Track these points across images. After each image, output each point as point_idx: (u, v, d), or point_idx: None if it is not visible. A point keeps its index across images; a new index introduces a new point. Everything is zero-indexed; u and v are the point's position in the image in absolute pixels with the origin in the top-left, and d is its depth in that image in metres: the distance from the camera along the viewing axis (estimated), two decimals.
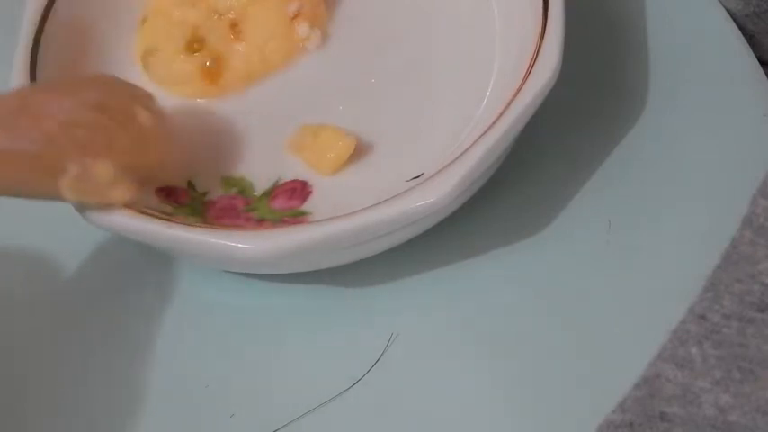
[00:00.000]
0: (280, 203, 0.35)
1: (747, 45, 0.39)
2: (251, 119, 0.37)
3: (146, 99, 0.34)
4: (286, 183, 0.36)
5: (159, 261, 0.36)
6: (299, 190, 0.35)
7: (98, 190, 0.31)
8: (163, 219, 0.32)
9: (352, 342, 0.33)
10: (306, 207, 0.35)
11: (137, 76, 0.38)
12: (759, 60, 0.38)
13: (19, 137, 0.30)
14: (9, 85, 0.34)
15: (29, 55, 0.35)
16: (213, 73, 0.38)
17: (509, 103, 0.32)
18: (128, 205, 0.32)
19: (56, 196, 0.31)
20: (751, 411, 0.30)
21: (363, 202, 0.31)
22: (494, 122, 0.32)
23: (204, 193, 0.35)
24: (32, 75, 0.35)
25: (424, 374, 0.33)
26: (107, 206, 0.32)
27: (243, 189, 0.36)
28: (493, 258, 0.35)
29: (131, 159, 0.32)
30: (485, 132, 0.32)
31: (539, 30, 0.34)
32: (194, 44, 0.38)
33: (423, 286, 0.34)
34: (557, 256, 0.34)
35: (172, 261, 0.36)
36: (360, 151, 0.36)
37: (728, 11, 0.40)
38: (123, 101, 0.34)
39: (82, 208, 0.32)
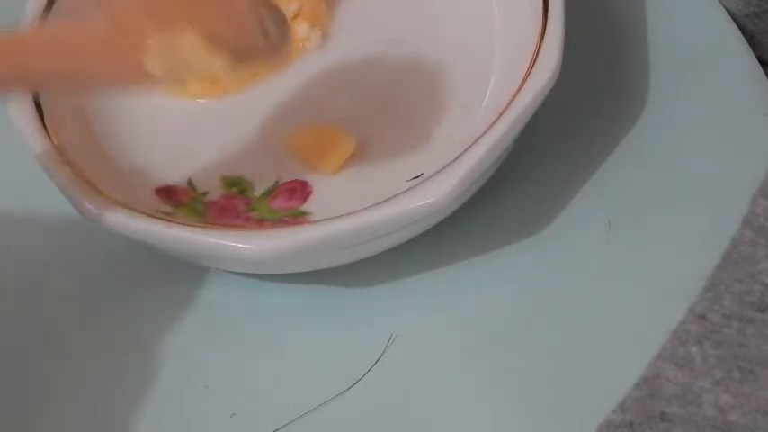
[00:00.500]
0: (280, 203, 0.35)
1: (747, 45, 0.39)
2: (251, 119, 0.37)
3: None
4: (286, 183, 0.36)
5: (159, 261, 0.36)
6: (299, 190, 0.35)
7: (191, 64, 0.29)
8: (163, 219, 0.32)
9: (352, 342, 0.33)
10: (306, 207, 0.35)
11: None
12: (759, 60, 0.38)
13: (88, 22, 0.28)
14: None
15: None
16: None
17: (509, 103, 0.32)
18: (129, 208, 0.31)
19: (148, 80, 0.28)
20: (751, 411, 0.30)
21: (363, 202, 0.31)
22: (494, 122, 0.32)
23: (204, 193, 0.35)
24: None
25: (424, 374, 0.33)
26: (206, 80, 0.30)
27: (243, 189, 0.36)
28: (493, 258, 0.35)
29: (218, 26, 0.29)
30: (485, 132, 0.32)
31: (539, 30, 0.34)
32: None
33: (423, 286, 0.34)
34: (557, 256, 0.34)
35: (172, 261, 0.36)
36: (360, 151, 0.36)
37: (728, 11, 0.40)
38: None
39: (81, 208, 0.32)
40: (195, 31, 0.29)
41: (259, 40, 0.31)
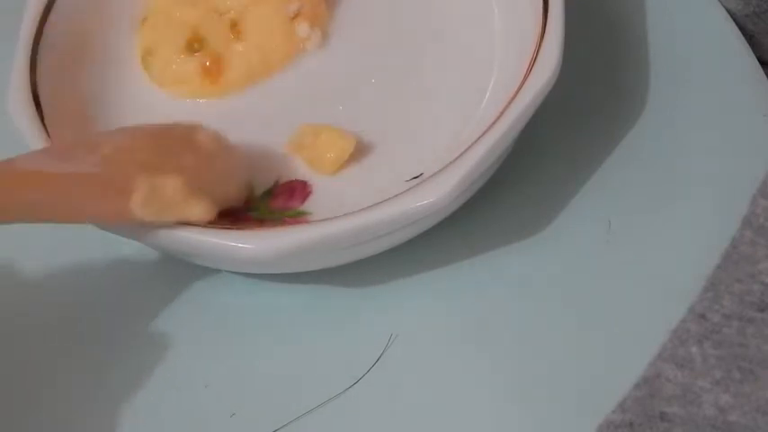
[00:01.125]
0: (280, 203, 0.35)
1: (747, 45, 0.39)
2: (251, 119, 0.37)
3: (198, 126, 0.34)
4: (286, 183, 0.36)
5: (159, 261, 0.36)
6: (299, 190, 0.35)
7: (172, 207, 0.31)
8: None
9: (352, 342, 0.33)
10: (306, 207, 0.35)
11: (137, 75, 0.38)
12: (759, 60, 0.38)
13: (78, 163, 0.30)
14: (9, 85, 0.34)
15: (29, 54, 0.35)
16: (213, 73, 0.38)
17: (509, 103, 0.32)
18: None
19: (132, 219, 0.30)
20: (751, 411, 0.30)
21: (363, 202, 0.31)
22: (494, 122, 0.32)
23: None
24: (32, 74, 0.35)
25: (424, 374, 0.33)
26: (187, 223, 0.31)
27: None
28: (493, 258, 0.35)
29: (200, 177, 0.32)
30: (485, 132, 0.32)
31: (539, 30, 0.34)
32: (194, 44, 0.38)
33: (423, 286, 0.34)
34: (557, 256, 0.34)
35: (172, 261, 0.36)
36: (360, 151, 0.36)
37: (728, 11, 0.40)
38: (179, 129, 0.33)
39: None
40: (177, 176, 0.31)
41: (232, 189, 0.34)
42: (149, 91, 0.38)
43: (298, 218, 0.34)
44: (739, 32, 0.39)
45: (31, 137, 0.33)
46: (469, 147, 0.32)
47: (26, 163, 0.30)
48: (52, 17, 0.37)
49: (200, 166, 0.32)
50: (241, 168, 0.35)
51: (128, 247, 0.36)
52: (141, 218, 0.30)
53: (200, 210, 0.31)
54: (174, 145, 0.32)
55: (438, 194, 0.31)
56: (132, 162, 0.31)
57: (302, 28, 0.38)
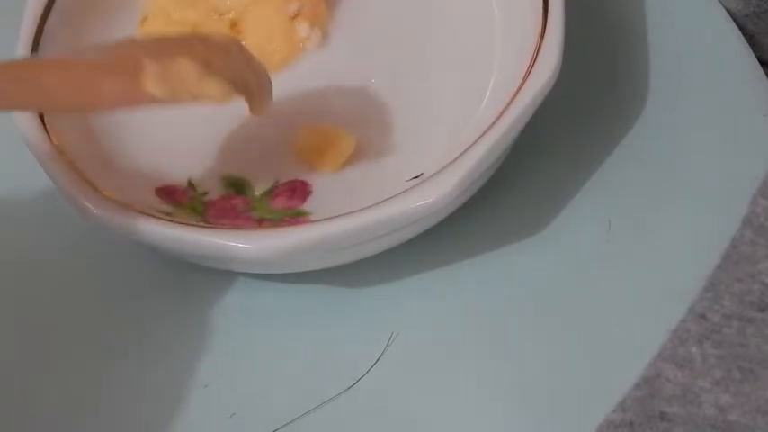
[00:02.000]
0: (280, 203, 0.35)
1: (747, 45, 0.39)
2: (251, 119, 0.37)
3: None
4: (286, 183, 0.36)
5: (159, 261, 0.36)
6: (299, 190, 0.35)
7: (187, 83, 0.30)
8: (163, 219, 0.32)
9: (353, 342, 0.33)
10: (306, 207, 0.35)
11: None
12: (759, 60, 0.38)
13: (86, 53, 0.29)
14: None
15: (29, 54, 0.35)
16: None
17: (509, 103, 0.32)
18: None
19: (146, 99, 0.29)
20: (751, 411, 0.30)
21: (363, 202, 0.31)
22: (494, 122, 0.32)
23: (204, 193, 0.35)
24: None
25: (424, 374, 0.33)
26: (205, 101, 0.30)
27: (243, 189, 0.36)
28: (493, 258, 0.35)
29: (213, 61, 0.31)
30: (485, 132, 0.32)
31: (539, 30, 0.34)
32: None
33: (423, 286, 0.34)
34: (557, 256, 0.34)
35: (172, 261, 0.36)
36: (360, 151, 0.36)
37: (728, 11, 0.40)
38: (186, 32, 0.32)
39: (81, 208, 0.32)
40: (189, 60, 0.30)
41: (249, 77, 0.32)
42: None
43: (298, 218, 0.34)
44: (739, 32, 0.39)
45: (31, 137, 0.33)
46: (469, 147, 0.32)
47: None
48: (52, 17, 0.37)
49: (212, 53, 0.31)
50: (259, 65, 0.34)
51: (128, 247, 0.36)
52: (155, 95, 0.29)
53: (217, 87, 0.30)
54: (183, 37, 0.32)
55: (438, 194, 0.31)
56: (141, 48, 0.30)
57: (302, 28, 0.38)
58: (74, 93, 0.29)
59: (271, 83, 0.34)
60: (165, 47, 0.30)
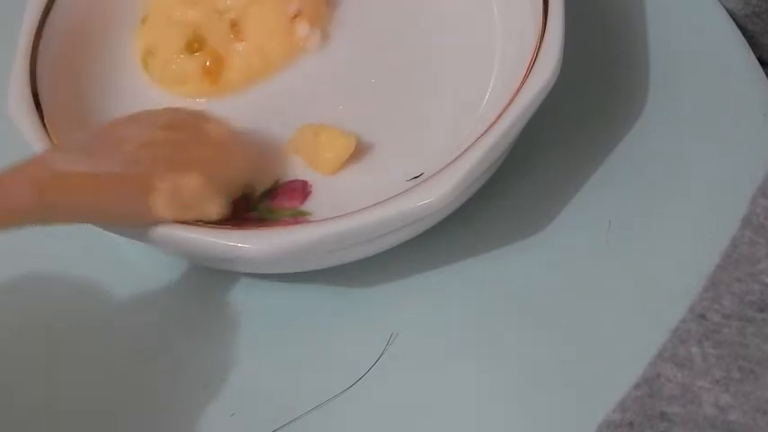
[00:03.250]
0: (280, 203, 0.35)
1: (747, 45, 0.38)
2: (251, 119, 0.37)
3: (206, 114, 0.35)
4: (286, 183, 0.36)
5: (159, 260, 0.36)
6: (299, 190, 0.35)
7: (193, 203, 0.31)
8: None
9: (353, 342, 0.33)
10: (306, 207, 0.35)
11: (137, 75, 0.38)
12: (759, 60, 0.38)
13: (101, 161, 0.30)
14: (9, 85, 0.34)
15: (29, 55, 0.35)
16: (213, 73, 0.38)
17: (509, 103, 0.32)
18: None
19: (153, 217, 0.31)
20: (751, 411, 0.30)
21: (363, 202, 0.31)
22: (494, 122, 0.32)
23: None
24: (32, 74, 0.35)
25: (423, 374, 0.33)
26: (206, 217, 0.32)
27: (243, 189, 0.36)
28: (493, 258, 0.35)
29: (216, 169, 0.33)
30: (485, 132, 0.32)
31: (539, 30, 0.34)
32: (194, 44, 0.38)
33: (423, 286, 0.34)
34: (557, 255, 0.34)
35: (172, 261, 0.36)
36: (360, 151, 0.36)
37: (728, 11, 0.40)
38: (188, 118, 0.34)
39: None
40: (198, 174, 0.32)
41: (245, 177, 0.35)
42: (149, 91, 0.38)
43: (298, 218, 0.34)
44: (739, 32, 0.39)
45: (31, 137, 0.33)
46: (469, 147, 0.32)
47: (55, 161, 0.29)
48: (52, 17, 0.37)
49: (215, 158, 0.33)
50: (252, 155, 0.35)
51: (128, 247, 0.36)
52: (162, 217, 0.31)
53: (216, 208, 0.32)
54: (189, 138, 0.33)
55: (438, 194, 0.31)
56: (154, 160, 0.31)
57: (302, 28, 0.38)
58: (84, 210, 0.30)
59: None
60: (177, 156, 0.32)
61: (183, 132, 0.33)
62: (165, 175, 0.31)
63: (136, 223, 0.31)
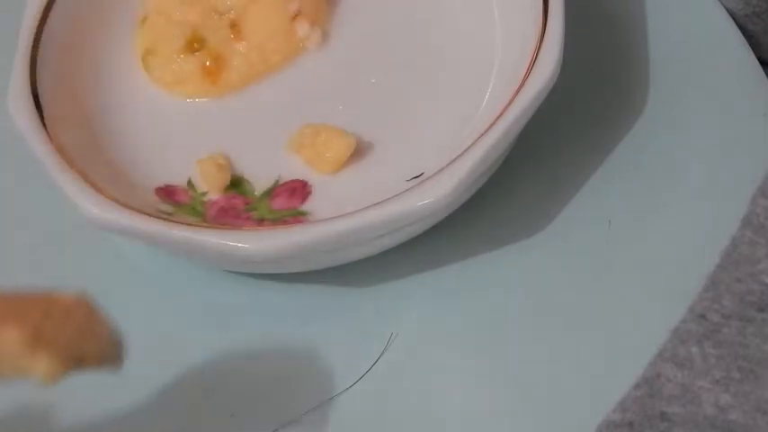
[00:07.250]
0: (280, 203, 0.35)
1: (747, 45, 0.38)
2: (251, 119, 0.37)
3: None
4: (286, 183, 0.36)
5: (158, 260, 0.36)
6: (299, 190, 0.35)
7: (9, 359, 0.27)
8: (163, 219, 0.32)
9: (353, 342, 0.33)
10: (306, 207, 0.35)
11: (137, 76, 0.38)
12: (759, 60, 0.38)
13: None
14: (9, 85, 0.34)
15: (29, 54, 0.35)
16: (213, 73, 0.38)
17: (509, 103, 0.32)
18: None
19: None
20: (751, 411, 0.30)
21: (363, 202, 0.31)
22: (494, 122, 0.32)
23: (204, 193, 0.35)
24: (32, 74, 0.35)
25: (424, 374, 0.33)
26: (29, 378, 0.27)
27: (243, 189, 0.36)
28: (493, 258, 0.35)
29: (47, 330, 0.28)
30: (485, 132, 0.32)
31: (539, 30, 0.34)
32: (194, 44, 0.38)
33: (423, 286, 0.34)
34: (557, 255, 0.34)
35: (172, 260, 0.36)
36: (360, 151, 0.36)
37: (728, 11, 0.40)
38: (32, 291, 0.29)
39: (81, 208, 0.32)
40: (17, 328, 0.27)
41: (90, 346, 0.29)
42: (149, 91, 0.38)
43: (297, 218, 0.34)
44: (739, 32, 0.39)
45: (31, 137, 0.33)
46: (469, 147, 0.32)
47: None
48: (52, 17, 0.37)
49: (50, 319, 0.28)
50: (105, 328, 0.30)
51: (127, 247, 0.36)
52: None
53: (45, 365, 0.27)
54: (19, 298, 0.28)
55: (438, 194, 0.31)
56: None
57: (302, 27, 0.38)
58: None
59: (121, 347, 0.30)
60: None
61: (12, 294, 0.28)
62: None
63: None
